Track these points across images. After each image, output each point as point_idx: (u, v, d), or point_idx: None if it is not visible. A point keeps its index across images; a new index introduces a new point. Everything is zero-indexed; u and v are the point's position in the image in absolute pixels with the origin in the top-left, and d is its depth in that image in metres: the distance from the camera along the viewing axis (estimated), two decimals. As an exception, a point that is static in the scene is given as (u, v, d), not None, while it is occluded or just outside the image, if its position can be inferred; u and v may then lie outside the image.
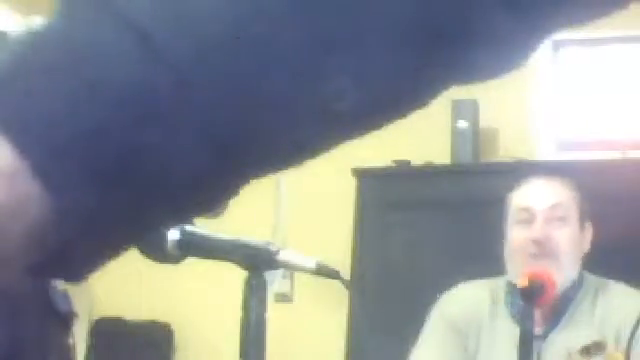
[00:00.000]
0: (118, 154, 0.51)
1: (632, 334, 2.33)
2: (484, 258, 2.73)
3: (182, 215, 0.57)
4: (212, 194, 0.56)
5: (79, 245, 0.53)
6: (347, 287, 2.02)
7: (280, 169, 0.58)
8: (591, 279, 2.70)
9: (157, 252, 1.74)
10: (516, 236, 2.66)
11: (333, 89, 0.54)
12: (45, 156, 0.51)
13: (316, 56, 0.53)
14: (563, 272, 2.60)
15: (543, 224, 2.63)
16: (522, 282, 2.44)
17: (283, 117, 0.54)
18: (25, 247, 0.52)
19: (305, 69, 0.53)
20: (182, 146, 0.52)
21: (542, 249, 2.60)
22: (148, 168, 0.52)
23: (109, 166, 0.51)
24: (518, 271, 2.60)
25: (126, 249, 0.56)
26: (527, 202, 2.68)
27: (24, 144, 0.51)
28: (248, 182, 0.57)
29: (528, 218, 2.65)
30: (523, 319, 2.43)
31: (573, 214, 2.68)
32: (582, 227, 2.70)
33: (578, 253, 2.68)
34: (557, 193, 2.70)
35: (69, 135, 0.51)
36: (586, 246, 2.71)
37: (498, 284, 2.74)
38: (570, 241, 2.65)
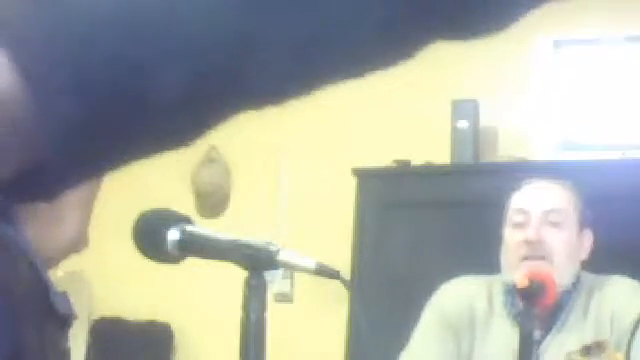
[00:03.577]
0: (103, 62, 0.50)
1: (632, 334, 2.33)
2: (484, 258, 2.73)
3: (159, 142, 0.55)
4: (191, 122, 0.55)
5: (57, 155, 0.51)
6: (347, 287, 2.02)
7: (257, 107, 0.57)
8: (587, 278, 2.69)
9: (157, 252, 1.74)
10: (511, 237, 2.66)
11: (312, 30, 0.53)
12: (27, 51, 0.49)
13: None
14: (558, 276, 2.59)
15: (537, 227, 2.62)
16: (522, 282, 2.44)
17: (265, 55, 0.53)
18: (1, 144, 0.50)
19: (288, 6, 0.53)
20: (163, 64, 0.51)
21: (534, 251, 2.59)
22: (130, 81, 0.50)
23: (93, 73, 0.50)
24: (512, 272, 2.60)
25: (99, 172, 0.55)
26: (523, 204, 2.68)
27: (5, 38, 0.48)
28: (226, 116, 0.56)
29: (523, 221, 2.65)
30: (523, 320, 2.43)
31: (571, 220, 2.67)
32: (580, 234, 2.68)
33: (574, 259, 2.66)
34: (555, 198, 2.69)
35: (55, 37, 0.49)
36: (584, 253, 2.69)
37: (495, 282, 2.73)
38: (565, 246, 2.63)
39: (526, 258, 2.59)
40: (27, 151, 0.50)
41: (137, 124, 0.53)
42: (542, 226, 2.62)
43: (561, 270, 2.60)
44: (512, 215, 2.68)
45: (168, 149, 0.56)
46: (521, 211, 2.66)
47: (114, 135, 0.52)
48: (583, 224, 2.69)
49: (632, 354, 2.31)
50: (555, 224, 2.64)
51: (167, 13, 0.51)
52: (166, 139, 0.55)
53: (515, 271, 2.57)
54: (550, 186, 2.72)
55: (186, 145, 0.56)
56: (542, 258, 2.59)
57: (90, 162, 0.54)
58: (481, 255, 2.74)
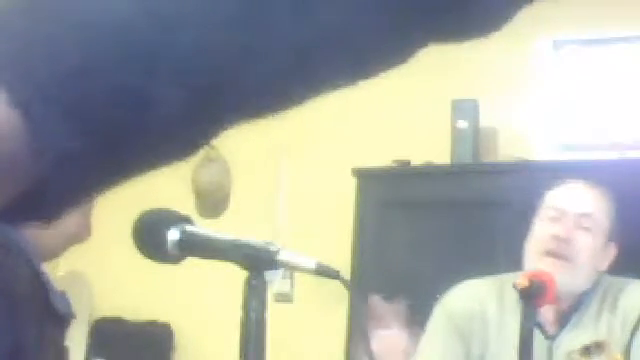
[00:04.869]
0: (99, 94, 0.50)
1: (632, 334, 2.33)
2: (484, 258, 2.74)
3: (158, 160, 0.56)
4: (186, 139, 0.56)
5: (55, 185, 0.52)
6: (347, 287, 2.02)
7: (257, 117, 0.57)
8: (604, 279, 2.70)
9: (157, 252, 1.74)
10: (540, 231, 2.66)
11: (310, 39, 0.54)
12: (25, 88, 0.50)
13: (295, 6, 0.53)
14: (576, 279, 2.60)
15: (569, 226, 2.63)
16: (522, 282, 2.44)
17: (263, 66, 0.54)
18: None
19: (284, 18, 0.53)
20: (160, 88, 0.52)
21: (561, 248, 2.60)
22: (127, 110, 0.51)
23: (90, 106, 0.50)
24: (534, 264, 2.61)
25: (100, 192, 0.56)
26: (559, 202, 2.69)
27: (1, 75, 0.49)
28: (223, 129, 0.57)
29: (556, 217, 2.66)
30: (523, 320, 2.43)
31: (601, 228, 2.68)
32: (607, 244, 2.69)
33: (594, 267, 2.67)
34: (591, 202, 2.70)
35: (51, 73, 0.50)
36: (604, 265, 2.70)
37: (506, 281, 2.73)
38: (590, 252, 2.64)
39: (551, 253, 2.59)
40: (23, 181, 0.51)
41: (137, 148, 0.54)
42: (574, 227, 2.64)
43: (582, 274, 2.62)
44: (546, 211, 2.69)
45: (168, 163, 0.56)
46: (556, 208, 2.67)
47: (114, 160, 0.54)
48: (611, 235, 2.70)
49: (632, 354, 2.31)
50: (586, 228, 2.65)
51: (163, 36, 0.51)
52: (166, 155, 0.56)
53: (537, 264, 2.58)
54: (588, 190, 2.73)
55: (186, 157, 0.57)
56: (566, 258, 2.60)
57: (90, 186, 0.55)
58: (481, 255, 2.75)
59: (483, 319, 2.71)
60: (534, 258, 2.63)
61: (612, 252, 2.71)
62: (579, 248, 2.62)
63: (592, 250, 2.65)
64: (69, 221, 1.42)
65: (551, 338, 2.63)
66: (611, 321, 2.61)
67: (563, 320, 2.64)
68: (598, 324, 2.62)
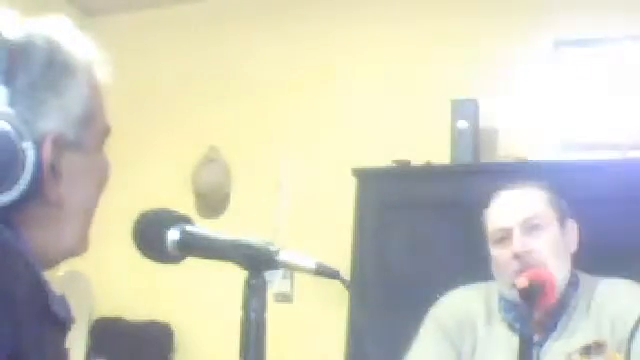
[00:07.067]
0: None
1: (632, 334, 2.33)
2: (483, 258, 2.74)
3: None
4: None
5: None
6: (347, 287, 2.01)
7: None
8: (586, 279, 2.69)
9: (157, 252, 1.74)
10: (498, 255, 2.66)
11: None
12: None
13: None
14: (554, 275, 2.59)
15: (520, 238, 2.62)
16: (522, 283, 2.43)
17: None
18: None
19: None
20: None
21: (524, 263, 2.59)
22: None
23: None
24: (509, 286, 2.59)
25: None
26: (501, 220, 2.68)
27: None
28: None
29: (505, 235, 2.65)
30: (522, 321, 2.43)
31: (550, 219, 2.66)
32: (563, 227, 2.68)
33: (564, 254, 2.66)
34: (529, 203, 2.68)
35: None
36: (573, 244, 2.69)
37: (492, 288, 2.73)
38: (552, 246, 2.63)
39: (519, 271, 2.58)
40: None
41: None
42: (524, 236, 2.62)
43: (554, 270, 2.60)
44: (492, 233, 2.69)
45: None
46: (500, 227, 2.66)
47: None
48: (564, 217, 2.69)
49: (632, 354, 2.30)
50: (536, 228, 2.64)
51: None
52: None
53: (512, 286, 2.57)
54: (521, 192, 2.72)
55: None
56: (535, 264, 2.59)
57: None
58: (481, 255, 2.74)
59: (471, 327, 2.71)
60: (507, 282, 2.62)
61: (574, 230, 2.71)
62: (540, 250, 2.61)
63: (553, 243, 2.63)
64: (66, 234, 1.42)
65: (537, 344, 2.62)
66: (599, 324, 2.60)
67: (549, 325, 2.63)
68: (586, 328, 2.61)
